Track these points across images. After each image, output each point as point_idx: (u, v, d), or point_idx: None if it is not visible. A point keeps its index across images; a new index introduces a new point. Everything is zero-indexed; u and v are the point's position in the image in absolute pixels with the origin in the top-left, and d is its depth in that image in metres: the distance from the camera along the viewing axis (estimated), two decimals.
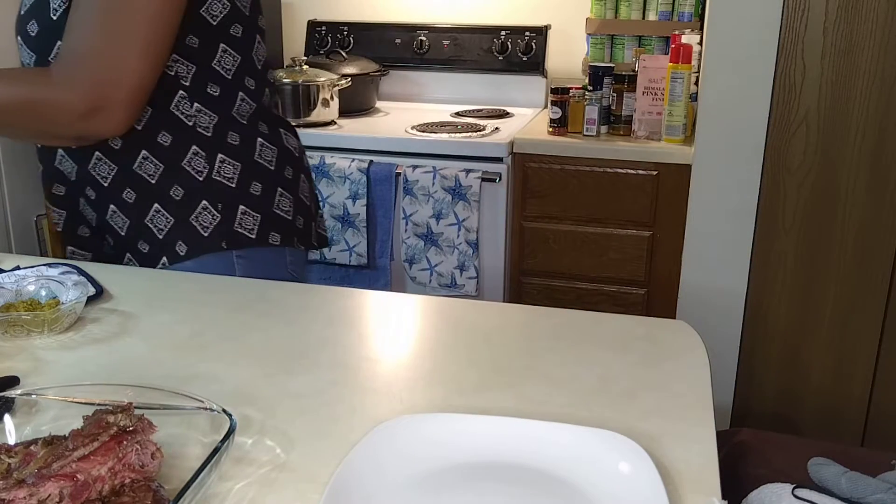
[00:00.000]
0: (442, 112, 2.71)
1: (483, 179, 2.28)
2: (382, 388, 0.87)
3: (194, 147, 1.17)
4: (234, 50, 1.19)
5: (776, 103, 2.04)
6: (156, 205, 1.18)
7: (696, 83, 2.31)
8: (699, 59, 2.33)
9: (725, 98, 2.07)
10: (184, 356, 0.94)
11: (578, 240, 2.33)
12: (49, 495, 0.60)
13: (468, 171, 2.29)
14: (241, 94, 1.21)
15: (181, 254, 1.19)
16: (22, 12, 1.17)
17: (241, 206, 1.21)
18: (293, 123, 2.47)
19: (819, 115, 2.02)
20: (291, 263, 1.29)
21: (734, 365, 2.24)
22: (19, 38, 1.17)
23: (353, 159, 2.36)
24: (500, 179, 2.29)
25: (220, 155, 1.19)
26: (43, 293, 1.02)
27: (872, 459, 1.11)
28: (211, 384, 0.87)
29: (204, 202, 1.19)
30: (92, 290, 1.05)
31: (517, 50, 2.74)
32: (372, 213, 2.39)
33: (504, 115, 2.67)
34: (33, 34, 1.14)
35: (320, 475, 0.71)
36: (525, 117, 2.63)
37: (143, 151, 1.16)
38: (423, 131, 2.43)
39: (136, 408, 0.69)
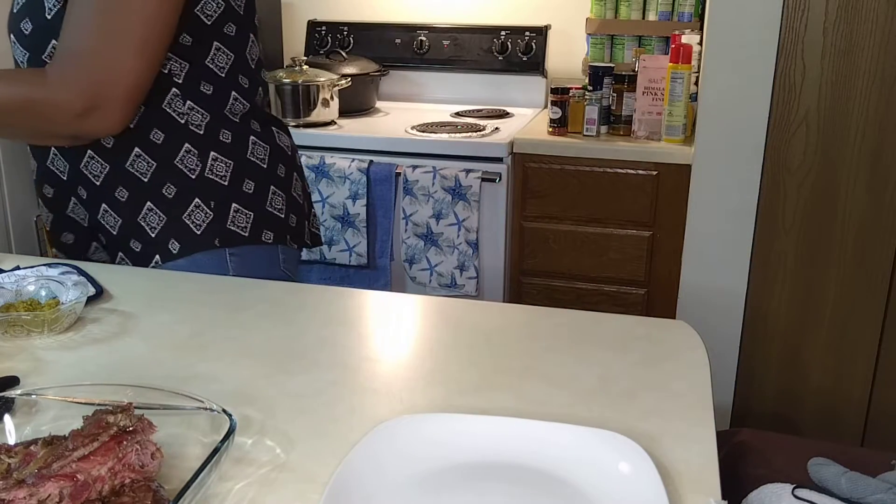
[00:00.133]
0: (442, 112, 2.71)
1: (483, 179, 2.28)
2: (382, 388, 0.87)
3: (187, 145, 1.18)
4: (228, 48, 1.19)
5: (776, 103, 2.04)
6: (148, 203, 1.18)
7: (696, 83, 2.31)
8: (699, 59, 2.33)
9: (725, 98, 2.07)
10: (184, 356, 0.94)
11: (578, 240, 2.33)
12: (49, 495, 0.60)
13: (468, 171, 2.29)
14: (234, 92, 1.21)
15: (174, 252, 1.19)
16: (14, 10, 1.17)
17: (234, 204, 1.21)
18: (293, 123, 2.51)
19: (819, 115, 2.02)
20: (285, 262, 1.29)
21: (734, 365, 2.24)
22: (12, 36, 1.18)
23: (353, 159, 2.36)
24: (500, 179, 2.29)
25: (212, 153, 1.19)
26: (43, 293, 1.02)
27: (872, 459, 1.11)
28: (211, 384, 0.87)
29: (196, 200, 1.19)
30: (92, 290, 1.05)
31: (517, 50, 2.74)
32: (372, 213, 2.39)
33: (504, 115, 2.67)
34: (27, 33, 1.14)
35: (320, 475, 0.71)
36: (525, 117, 2.63)
37: (136, 149, 1.17)
38: (423, 131, 2.43)
39: (136, 408, 0.69)
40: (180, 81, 1.16)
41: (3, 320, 0.97)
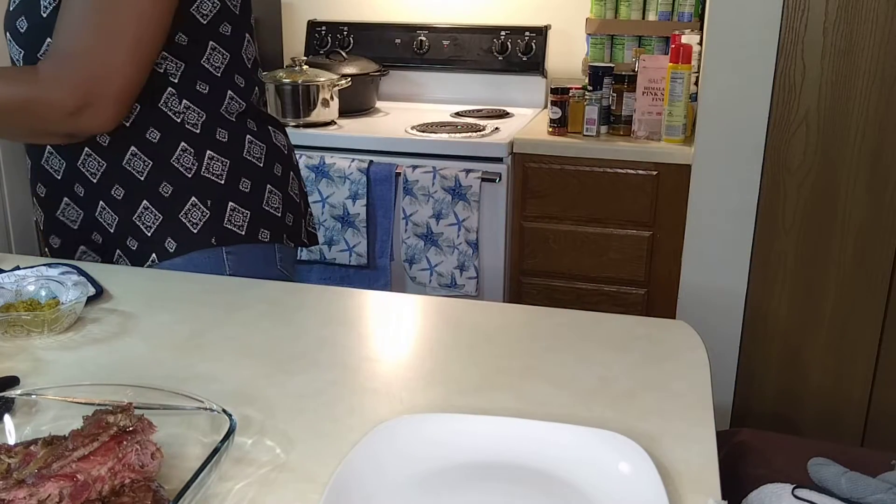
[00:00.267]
0: (442, 112, 2.71)
1: (483, 179, 2.28)
2: (382, 388, 0.87)
3: (183, 144, 1.18)
4: (224, 48, 1.19)
5: (776, 103, 2.04)
6: (145, 201, 1.18)
7: (696, 83, 2.31)
8: (699, 59, 2.33)
9: (725, 98, 2.07)
10: (184, 356, 0.94)
11: (578, 240, 2.33)
12: (49, 495, 0.60)
13: (468, 171, 2.29)
14: (229, 91, 1.21)
15: (170, 251, 1.19)
16: (10, 8, 1.17)
17: (231, 203, 1.21)
18: (293, 123, 2.51)
19: (819, 115, 2.02)
20: (281, 260, 1.29)
21: (734, 365, 2.24)
22: (8, 34, 1.18)
23: (353, 159, 2.36)
24: (500, 179, 2.29)
25: (208, 152, 1.19)
26: (43, 293, 1.02)
27: (872, 459, 1.11)
28: (211, 384, 0.87)
29: (193, 199, 1.19)
30: (92, 290, 1.05)
31: (517, 50, 2.74)
32: (372, 213, 2.39)
33: (504, 115, 2.67)
34: (22, 31, 1.14)
35: (320, 475, 0.71)
36: (525, 117, 2.63)
37: (132, 148, 1.17)
38: (423, 131, 2.43)
39: (136, 408, 0.69)
40: (176, 81, 1.16)
41: (3, 320, 0.97)
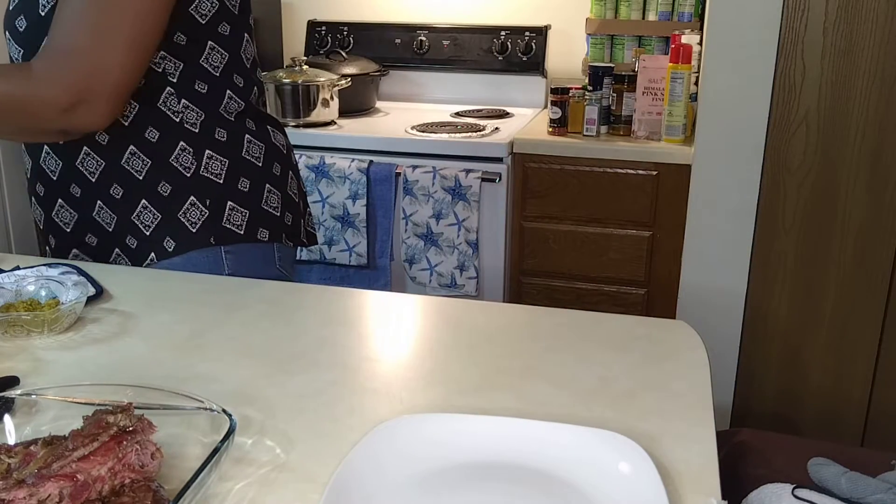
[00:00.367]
0: (442, 112, 2.71)
1: (483, 179, 2.28)
2: (382, 388, 0.87)
3: (182, 143, 1.18)
4: (222, 48, 1.20)
5: (776, 103, 2.04)
6: (143, 201, 1.18)
7: (696, 83, 2.31)
8: (699, 59, 2.33)
9: (725, 98, 2.07)
10: (184, 356, 0.94)
11: (578, 240, 2.33)
12: (49, 495, 0.60)
13: (468, 171, 2.29)
14: (228, 91, 1.22)
15: (169, 250, 1.19)
16: (10, 7, 1.18)
17: (230, 202, 1.21)
18: (293, 123, 2.51)
19: (819, 115, 2.02)
20: (280, 259, 1.29)
21: (734, 365, 2.24)
22: (7, 33, 1.18)
23: (353, 159, 2.36)
24: (499, 179, 2.29)
25: (207, 151, 1.20)
26: (43, 293, 1.02)
27: (872, 459, 1.11)
28: (211, 384, 0.87)
29: (192, 198, 1.19)
30: (92, 290, 1.05)
31: (517, 50, 2.74)
32: (372, 213, 2.39)
33: (504, 115, 2.67)
34: (21, 29, 1.15)
35: (320, 475, 0.71)
36: (525, 117, 2.63)
37: (131, 147, 1.17)
38: (423, 131, 2.43)
39: (136, 408, 0.69)
40: (175, 80, 1.16)
41: (3, 320, 0.97)
